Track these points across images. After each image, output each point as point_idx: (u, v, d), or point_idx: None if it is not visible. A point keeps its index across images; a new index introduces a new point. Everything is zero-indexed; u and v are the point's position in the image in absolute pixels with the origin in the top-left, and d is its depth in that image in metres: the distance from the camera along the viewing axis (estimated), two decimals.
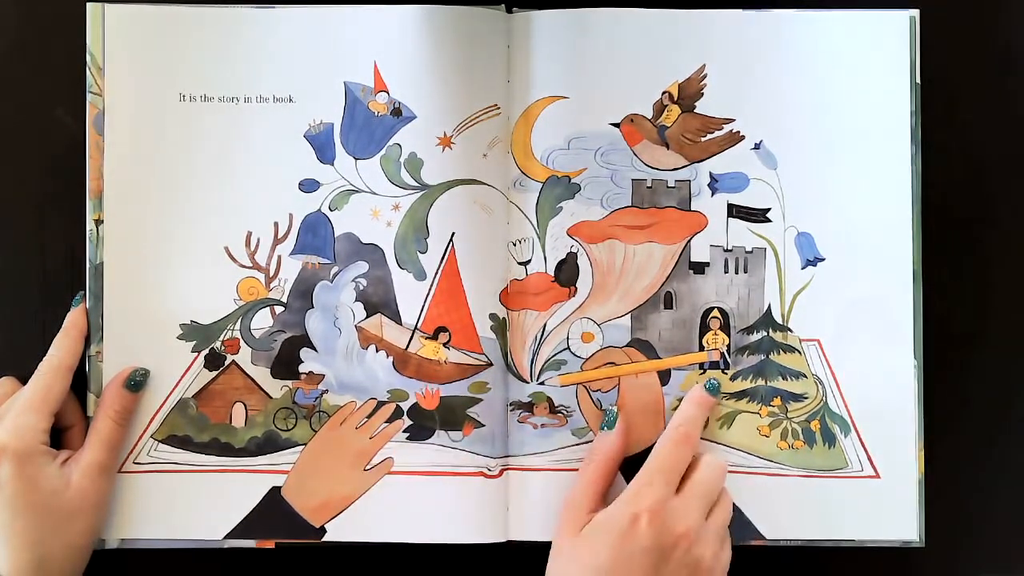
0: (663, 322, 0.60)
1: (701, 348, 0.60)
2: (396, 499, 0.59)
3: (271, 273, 0.60)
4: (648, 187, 0.60)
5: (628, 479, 0.58)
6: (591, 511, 0.56)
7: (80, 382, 0.58)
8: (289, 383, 0.59)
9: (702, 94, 0.60)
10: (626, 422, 0.59)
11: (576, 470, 0.59)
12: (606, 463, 0.58)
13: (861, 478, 0.59)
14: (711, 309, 0.60)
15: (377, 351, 0.59)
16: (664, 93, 0.60)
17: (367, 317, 0.60)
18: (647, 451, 0.58)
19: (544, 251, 0.60)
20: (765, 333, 0.60)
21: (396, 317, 0.59)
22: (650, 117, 0.60)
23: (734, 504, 0.58)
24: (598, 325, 0.60)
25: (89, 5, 0.59)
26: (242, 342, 0.59)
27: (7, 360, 0.60)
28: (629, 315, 0.60)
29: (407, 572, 0.60)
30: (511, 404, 0.60)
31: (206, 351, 0.59)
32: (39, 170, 0.61)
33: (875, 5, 0.60)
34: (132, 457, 0.59)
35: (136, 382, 0.58)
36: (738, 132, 0.60)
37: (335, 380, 0.59)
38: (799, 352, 0.60)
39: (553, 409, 0.60)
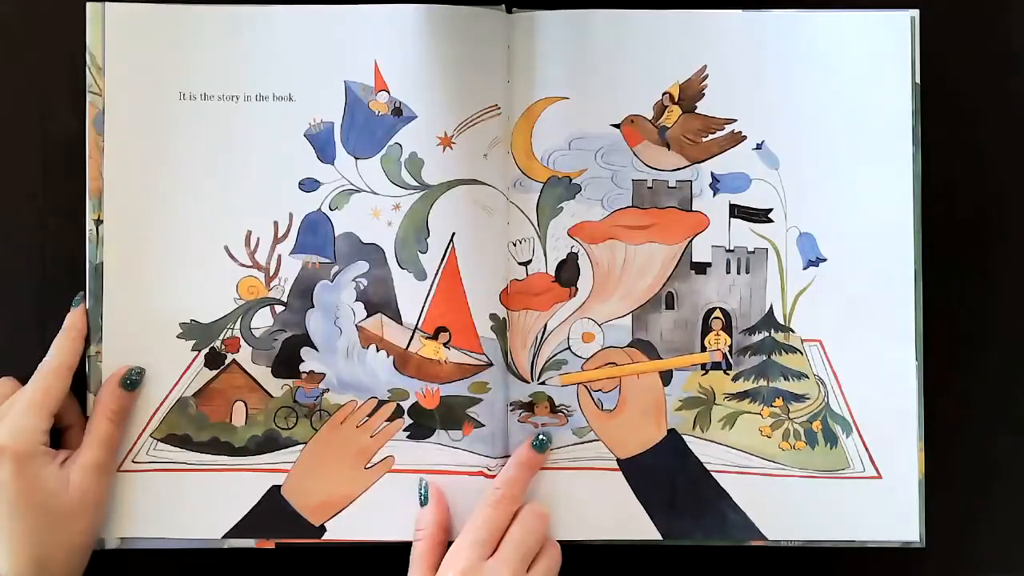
0: (664, 322, 0.60)
1: (703, 348, 0.60)
2: (396, 498, 0.59)
3: (271, 272, 0.59)
4: (649, 187, 0.60)
5: (630, 484, 0.58)
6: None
7: (80, 382, 0.58)
8: (290, 382, 0.59)
9: (703, 95, 0.60)
10: (438, 494, 0.58)
11: (576, 469, 0.59)
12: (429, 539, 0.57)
13: (862, 478, 0.59)
14: (713, 309, 0.60)
15: (378, 350, 0.59)
16: (665, 94, 0.60)
17: (368, 317, 0.59)
18: (646, 453, 0.59)
19: (545, 251, 0.60)
20: (767, 334, 0.60)
21: (397, 317, 0.59)
22: (651, 118, 0.60)
23: (736, 504, 0.59)
24: (599, 325, 0.60)
25: (89, 5, 0.59)
26: (242, 341, 0.59)
27: (7, 360, 0.59)
28: (630, 315, 0.60)
29: (407, 571, 0.60)
30: (511, 404, 0.60)
31: (206, 350, 0.59)
32: (39, 170, 0.60)
33: (875, 5, 0.60)
34: (131, 456, 0.59)
35: (131, 381, 0.58)
36: (739, 132, 0.60)
37: (336, 379, 0.59)
38: (801, 352, 0.60)
39: (554, 409, 0.59)
